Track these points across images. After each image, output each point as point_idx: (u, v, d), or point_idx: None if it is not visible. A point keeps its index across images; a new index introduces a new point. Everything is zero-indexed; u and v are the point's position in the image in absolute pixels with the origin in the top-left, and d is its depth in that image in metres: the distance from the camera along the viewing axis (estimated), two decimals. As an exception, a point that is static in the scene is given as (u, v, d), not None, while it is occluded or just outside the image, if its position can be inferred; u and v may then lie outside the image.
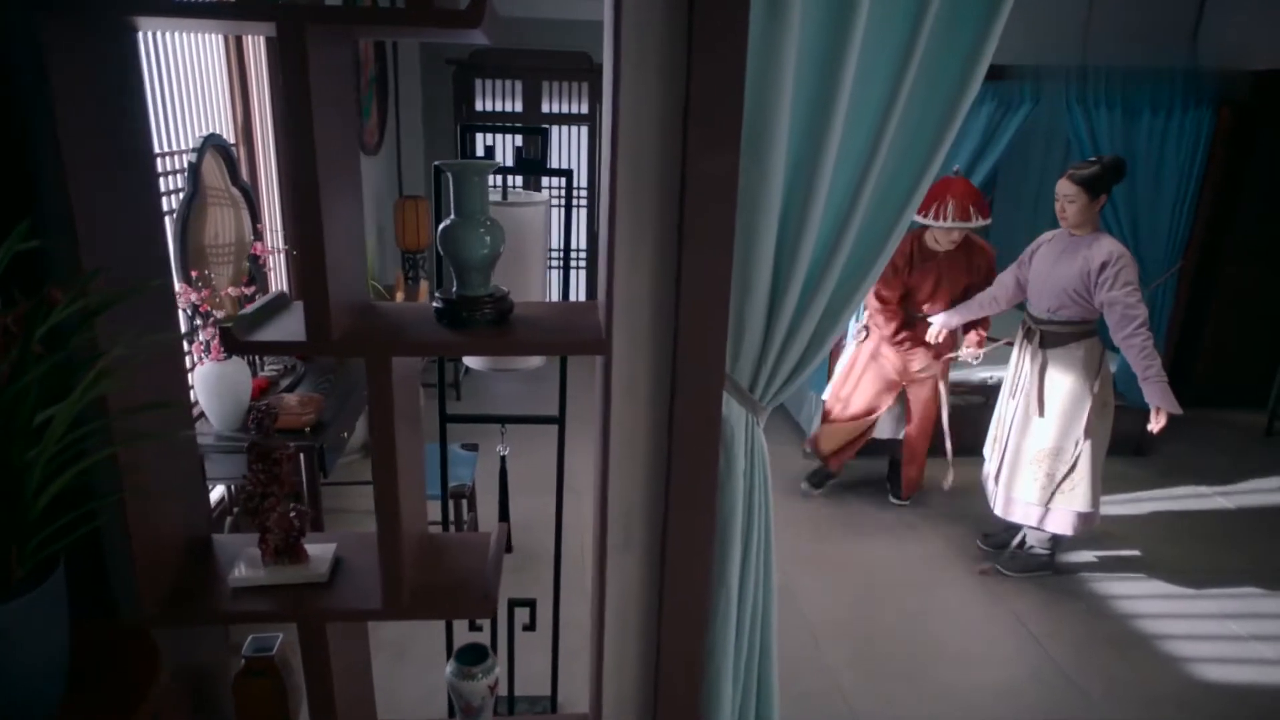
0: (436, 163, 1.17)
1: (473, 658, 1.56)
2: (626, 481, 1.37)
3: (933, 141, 1.27)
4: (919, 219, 2.85)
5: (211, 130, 2.31)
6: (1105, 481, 3.56)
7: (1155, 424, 2.57)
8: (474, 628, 1.83)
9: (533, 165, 1.46)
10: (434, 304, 1.23)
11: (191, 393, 2.09)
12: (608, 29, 1.08)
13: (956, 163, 3.35)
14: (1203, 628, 2.59)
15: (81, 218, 1.04)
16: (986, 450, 2.98)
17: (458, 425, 1.75)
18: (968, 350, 3.08)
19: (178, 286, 1.97)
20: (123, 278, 1.15)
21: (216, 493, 2.31)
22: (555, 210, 3.87)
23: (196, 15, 1.00)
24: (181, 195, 2.08)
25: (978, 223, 2.84)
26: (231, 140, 2.45)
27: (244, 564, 1.32)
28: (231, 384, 2.01)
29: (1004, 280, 2.90)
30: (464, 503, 2.51)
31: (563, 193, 1.52)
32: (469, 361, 1.57)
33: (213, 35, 2.39)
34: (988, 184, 5.31)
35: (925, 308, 3.07)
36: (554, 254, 1.62)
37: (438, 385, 1.65)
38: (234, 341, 1.12)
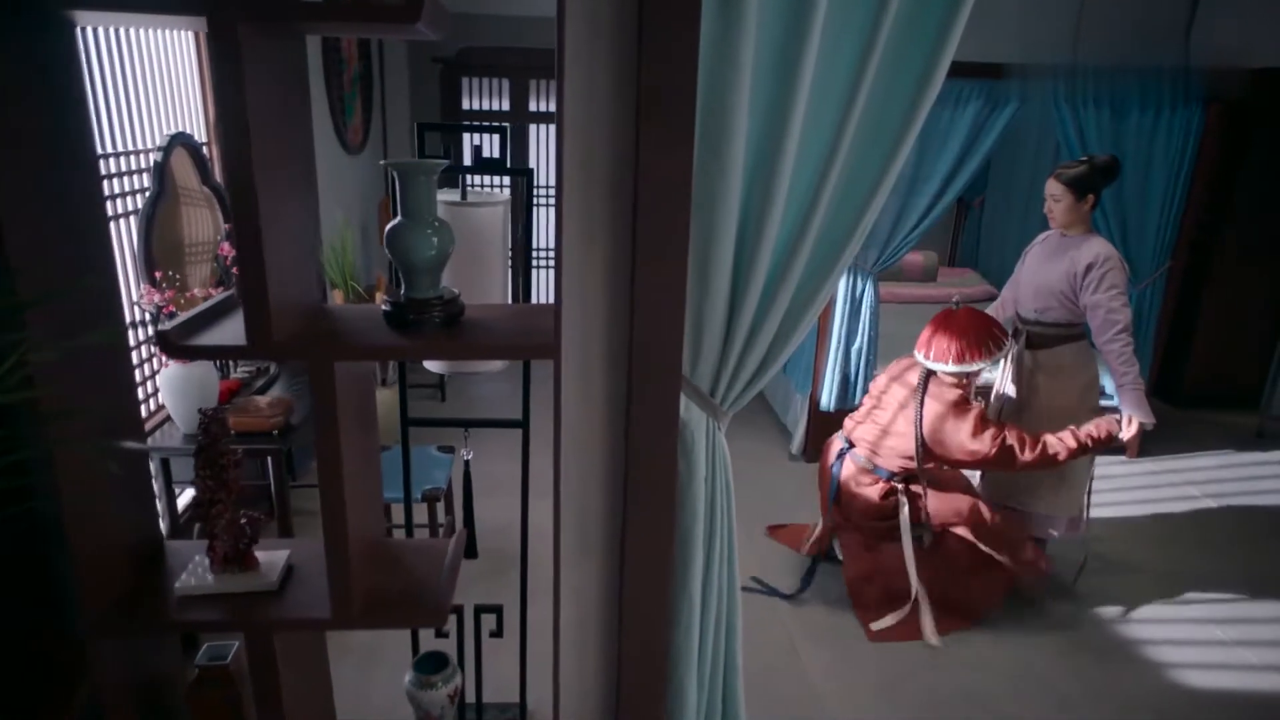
0: (382, 161, 1.14)
1: (432, 666, 1.54)
2: (583, 487, 1.34)
3: (895, 138, 1.25)
4: (949, 367, 2.43)
5: (181, 129, 2.28)
6: (1093, 483, 3.54)
7: (1126, 432, 2.54)
8: (440, 634, 1.80)
9: (491, 164, 1.43)
10: (382, 307, 1.20)
11: (156, 396, 2.07)
12: (558, 25, 1.05)
13: (938, 170, 3.30)
14: (1187, 632, 2.56)
15: (9, 218, 1.01)
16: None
17: (438, 428, 1.73)
18: None
19: (140, 287, 1.94)
20: (64, 279, 1.13)
21: (186, 496, 2.27)
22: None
23: (123, 9, 0.97)
24: (147, 194, 2.05)
25: (1008, 347, 2.52)
26: (204, 139, 2.43)
27: (192, 571, 1.29)
28: (198, 386, 1.98)
29: (1010, 284, 2.86)
30: (439, 506, 2.48)
31: (541, 192, 1.49)
32: (427, 364, 1.55)
33: (183, 32, 2.37)
34: (978, 184, 5.30)
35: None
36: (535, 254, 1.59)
37: (398, 386, 1.62)
38: (170, 345, 1.09)
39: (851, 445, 2.68)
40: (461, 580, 2.62)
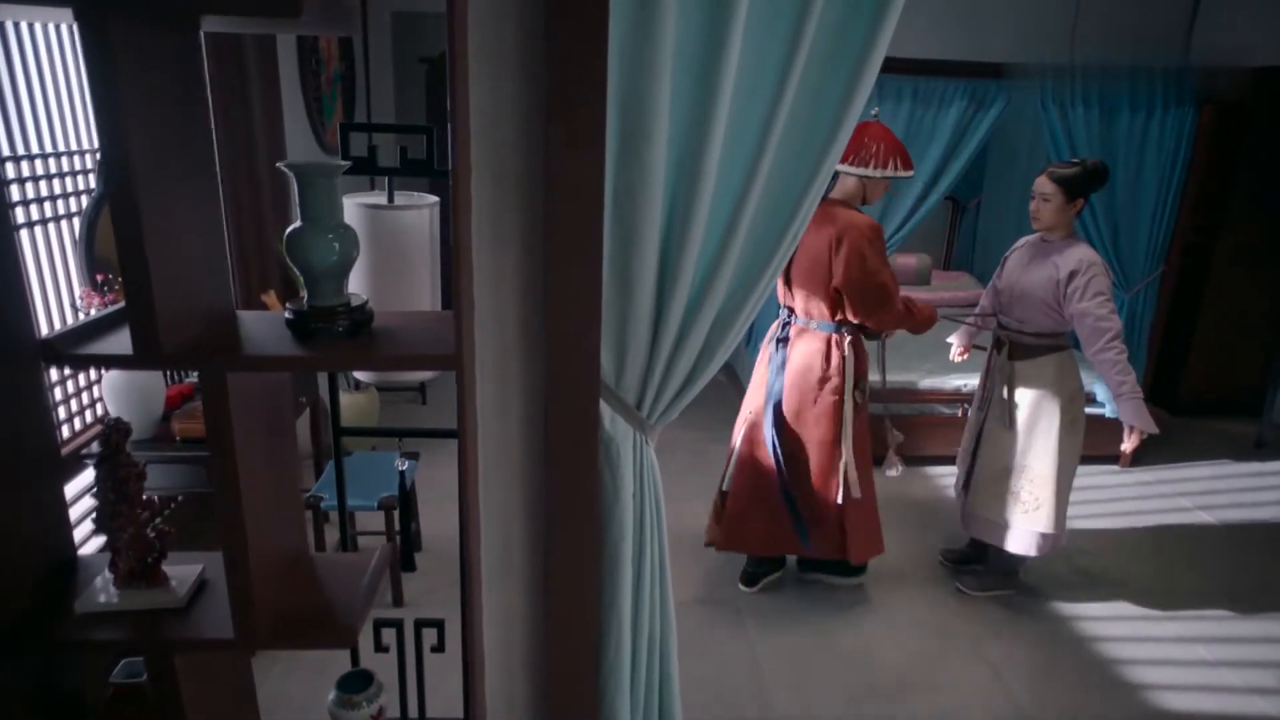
0: (279, 164, 1.09)
1: (355, 685, 1.48)
2: (504, 503, 1.29)
3: (826, 138, 1.19)
4: (878, 172, 2.41)
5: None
6: (1081, 494, 3.44)
7: (1129, 443, 2.45)
8: (380, 649, 1.74)
9: (417, 166, 1.38)
10: (285, 315, 1.15)
11: (101, 403, 2.03)
12: (448, 18, 0.99)
13: (922, 171, 3.22)
14: (1170, 652, 2.47)
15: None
16: (958, 462, 2.88)
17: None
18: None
19: (79, 290, 1.91)
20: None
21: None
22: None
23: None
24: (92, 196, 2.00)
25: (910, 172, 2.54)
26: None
27: (96, 588, 1.25)
28: (142, 392, 1.94)
29: (989, 290, 2.78)
30: (396, 514, 2.43)
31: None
32: (356, 373, 1.49)
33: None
34: (974, 185, 5.21)
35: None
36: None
37: (329, 396, 1.57)
38: (54, 354, 1.05)
39: (791, 312, 2.60)
40: (415, 591, 2.60)
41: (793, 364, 2.53)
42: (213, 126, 1.16)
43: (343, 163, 1.10)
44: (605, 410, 1.28)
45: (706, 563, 2.88)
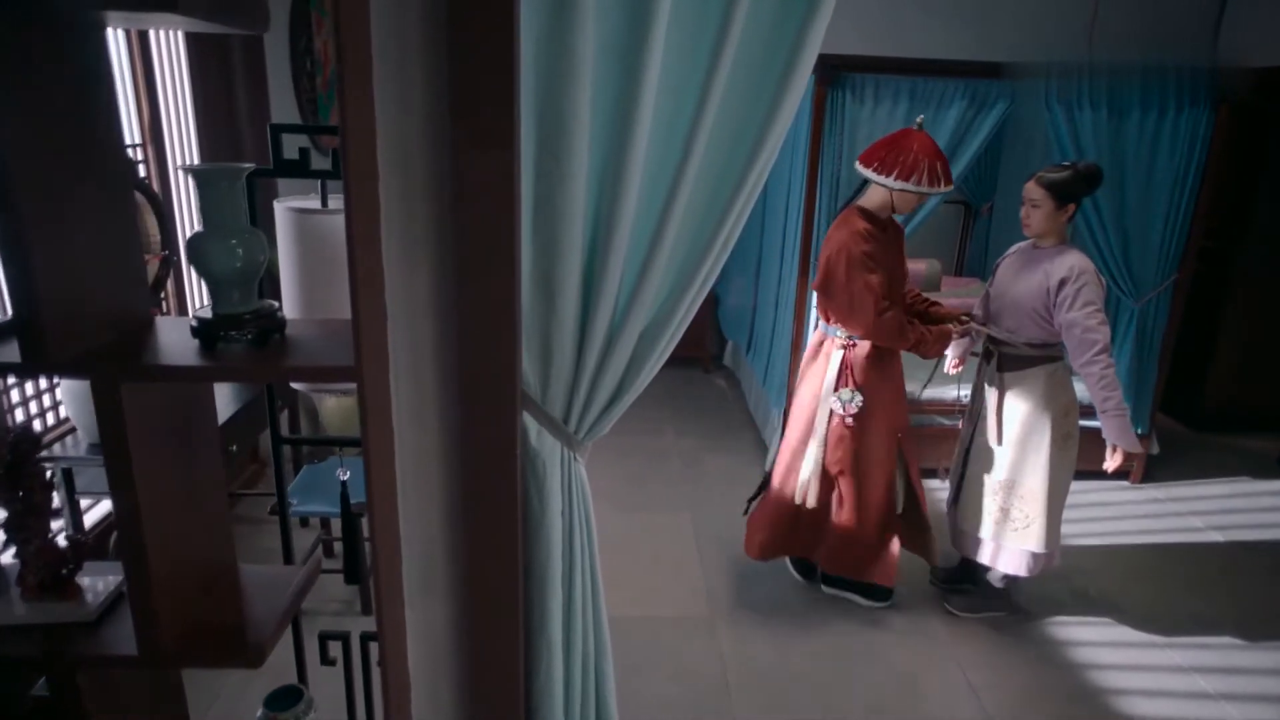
0: (180, 166, 1.05)
1: (283, 702, 1.44)
2: (423, 519, 1.23)
3: (757, 141, 1.12)
4: (900, 184, 2.29)
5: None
6: (1086, 510, 3.31)
7: (1111, 462, 2.34)
8: (326, 661, 1.70)
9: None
10: (191, 322, 1.12)
11: (61, 407, 2.02)
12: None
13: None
14: (1167, 683, 2.34)
15: None
16: (948, 477, 2.78)
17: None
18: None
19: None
20: None
21: (101, 509, 2.22)
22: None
23: None
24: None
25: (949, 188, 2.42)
26: (137, 141, 2.38)
27: (4, 601, 1.22)
28: (101, 395, 1.92)
29: (981, 298, 2.68)
30: (362, 522, 2.39)
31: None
32: (294, 384, 1.45)
33: (114, 30, 2.33)
34: (986, 189, 5.07)
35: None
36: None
37: (267, 403, 1.53)
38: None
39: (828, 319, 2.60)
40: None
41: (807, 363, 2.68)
42: (122, 128, 1.13)
43: (245, 165, 1.06)
44: (530, 424, 1.23)
45: (685, 580, 2.81)
